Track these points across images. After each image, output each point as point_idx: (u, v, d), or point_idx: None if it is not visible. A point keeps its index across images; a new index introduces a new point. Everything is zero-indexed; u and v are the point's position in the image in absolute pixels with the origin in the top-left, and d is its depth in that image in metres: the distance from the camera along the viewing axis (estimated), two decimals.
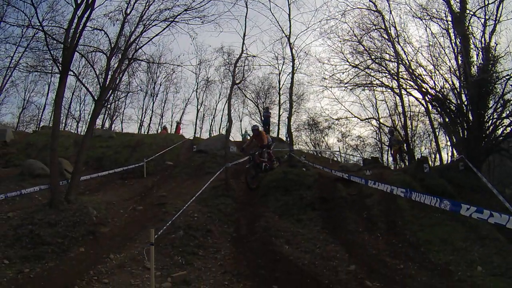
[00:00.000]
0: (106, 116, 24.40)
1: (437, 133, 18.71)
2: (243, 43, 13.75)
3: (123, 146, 15.88)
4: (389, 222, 8.82)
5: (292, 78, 14.94)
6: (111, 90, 10.36)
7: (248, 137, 25.07)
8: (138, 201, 10.56)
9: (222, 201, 9.83)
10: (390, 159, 17.73)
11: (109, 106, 20.77)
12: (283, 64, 25.36)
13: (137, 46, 10.70)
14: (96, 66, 18.13)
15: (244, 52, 14.24)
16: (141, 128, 28.81)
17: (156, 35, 10.80)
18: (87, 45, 10.57)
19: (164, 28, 10.70)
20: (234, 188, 10.86)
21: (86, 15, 8.66)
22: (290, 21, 14.35)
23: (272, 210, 9.57)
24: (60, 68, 8.61)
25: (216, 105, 31.83)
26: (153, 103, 29.74)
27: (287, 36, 14.55)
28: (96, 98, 9.49)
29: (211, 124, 31.56)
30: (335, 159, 20.96)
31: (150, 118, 29.66)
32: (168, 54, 31.99)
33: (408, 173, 11.07)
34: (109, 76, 9.76)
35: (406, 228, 8.44)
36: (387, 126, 23.31)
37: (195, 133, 29.11)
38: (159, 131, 26.98)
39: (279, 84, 28.22)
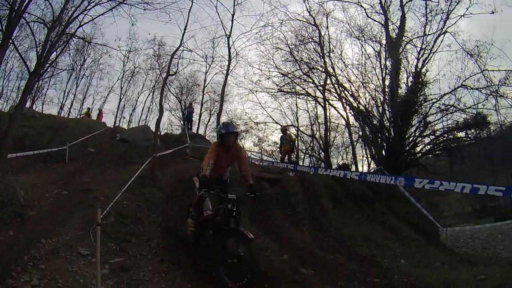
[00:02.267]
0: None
1: (355, 145, 20.59)
2: (183, 36, 13.83)
3: (46, 127, 15.03)
4: (313, 219, 9.54)
5: (226, 77, 15.33)
6: (48, 64, 9.68)
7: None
8: (63, 186, 9.94)
9: (149, 191, 9.64)
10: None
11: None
12: (211, 63, 25.73)
13: (80, 23, 10.12)
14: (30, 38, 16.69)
15: (182, 45, 14.29)
16: (61, 112, 27.61)
17: (101, 14, 10.39)
18: (32, 13, 9.73)
19: (111, 8, 10.31)
20: (160, 179, 10.78)
21: None
22: (232, 21, 14.74)
23: None
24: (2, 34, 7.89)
25: (138, 97, 31.26)
26: (77, 87, 28.35)
27: (227, 36, 14.89)
28: (31, 71, 8.85)
29: (131, 114, 31.79)
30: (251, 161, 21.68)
31: (72, 103, 28.98)
32: (100, 38, 30.38)
33: (330, 176, 11.81)
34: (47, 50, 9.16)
35: (330, 225, 9.24)
36: (306, 135, 24.93)
37: (114, 122, 28.24)
38: (80, 115, 25.88)
39: (205, 83, 28.57)
